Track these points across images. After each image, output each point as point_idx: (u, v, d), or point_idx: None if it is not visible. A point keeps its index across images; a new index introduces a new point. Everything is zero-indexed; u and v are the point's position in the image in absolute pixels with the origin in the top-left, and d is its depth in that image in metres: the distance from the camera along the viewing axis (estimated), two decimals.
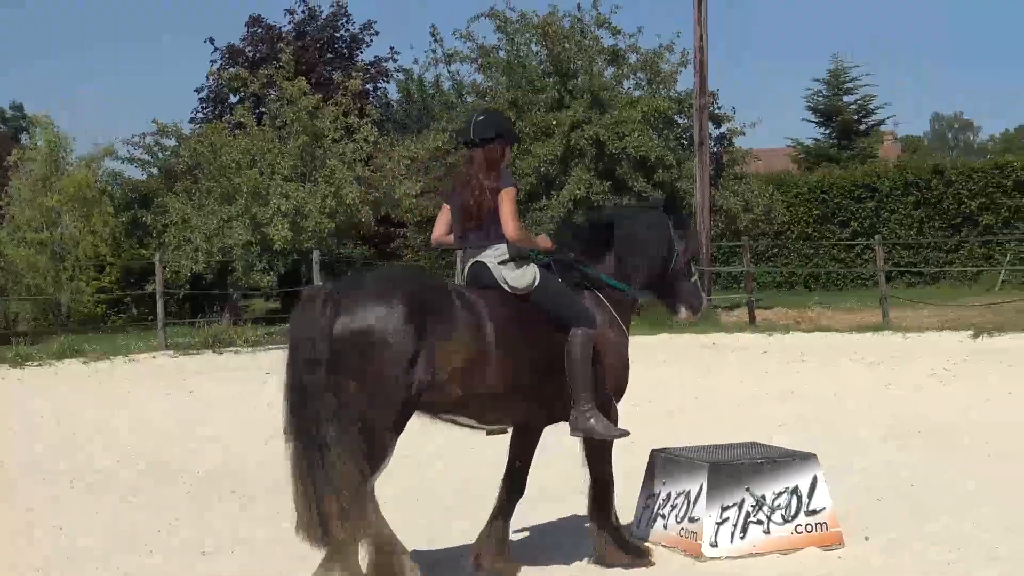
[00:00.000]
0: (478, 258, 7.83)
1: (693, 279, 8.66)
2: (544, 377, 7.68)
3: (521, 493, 8.22)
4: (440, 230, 8.18)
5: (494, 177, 7.80)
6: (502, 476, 8.25)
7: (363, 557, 7.26)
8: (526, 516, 9.78)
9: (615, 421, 7.98)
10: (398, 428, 7.18)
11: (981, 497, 10.17)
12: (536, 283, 7.72)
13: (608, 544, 8.13)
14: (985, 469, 11.43)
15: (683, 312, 8.64)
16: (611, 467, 8.24)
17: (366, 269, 7.42)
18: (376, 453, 7.07)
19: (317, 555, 8.41)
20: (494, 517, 8.12)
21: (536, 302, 7.70)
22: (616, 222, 8.40)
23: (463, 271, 8.03)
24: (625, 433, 7.86)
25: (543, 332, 7.67)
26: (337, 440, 6.91)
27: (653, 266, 8.39)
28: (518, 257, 7.76)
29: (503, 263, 7.72)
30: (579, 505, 10.01)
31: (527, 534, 9.20)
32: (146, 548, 9.04)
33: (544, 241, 8.16)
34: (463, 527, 9.03)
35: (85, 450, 14.02)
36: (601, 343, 7.86)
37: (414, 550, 7.90)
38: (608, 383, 7.98)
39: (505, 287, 7.67)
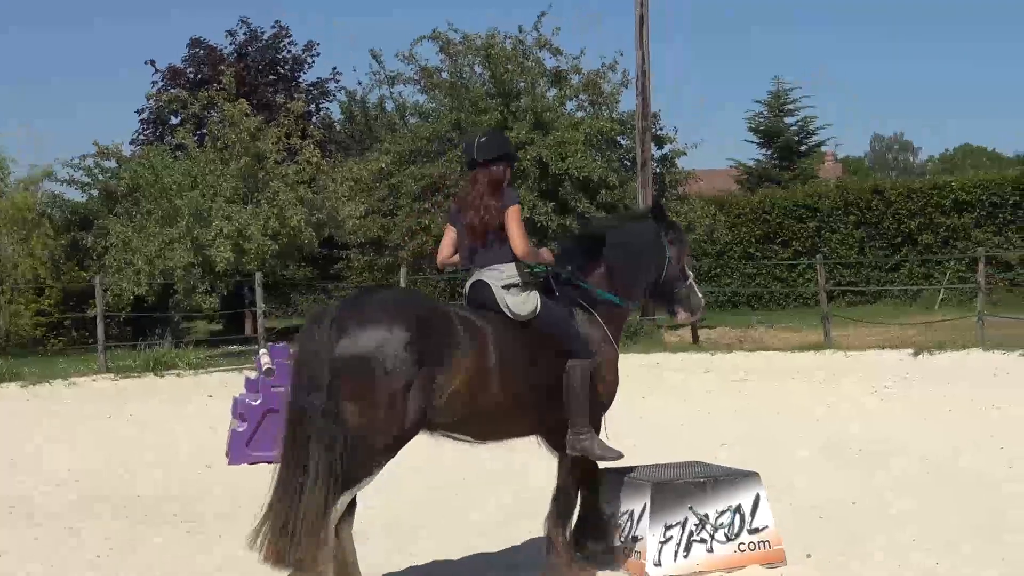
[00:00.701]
0: (482, 277, 7.89)
1: (688, 281, 8.75)
2: (541, 397, 7.80)
3: (572, 506, 8.33)
4: (446, 251, 8.28)
5: (498, 196, 7.87)
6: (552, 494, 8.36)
7: None
8: (499, 532, 9.79)
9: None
10: (392, 451, 7.23)
11: (921, 515, 10.26)
12: (537, 310, 7.81)
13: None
14: (924, 487, 11.53)
15: (681, 314, 8.78)
16: (582, 481, 8.36)
17: (371, 289, 7.45)
18: (362, 474, 7.13)
19: None
20: (550, 534, 8.23)
21: (536, 327, 7.80)
22: (607, 234, 8.49)
23: (467, 290, 8.07)
24: (620, 455, 7.99)
25: (542, 355, 7.76)
26: (318, 466, 6.97)
27: (646, 275, 8.53)
28: (522, 281, 7.83)
29: (507, 287, 7.79)
30: (516, 531, 10.04)
31: (502, 549, 9.19)
32: (91, 574, 8.92)
33: (549, 255, 8.26)
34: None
35: (23, 476, 13.83)
36: (596, 359, 7.99)
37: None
38: (600, 399, 8.13)
39: (507, 312, 7.74)
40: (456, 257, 8.21)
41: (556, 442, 8.08)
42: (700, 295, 8.87)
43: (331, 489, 7.01)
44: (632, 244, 8.49)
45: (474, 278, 7.97)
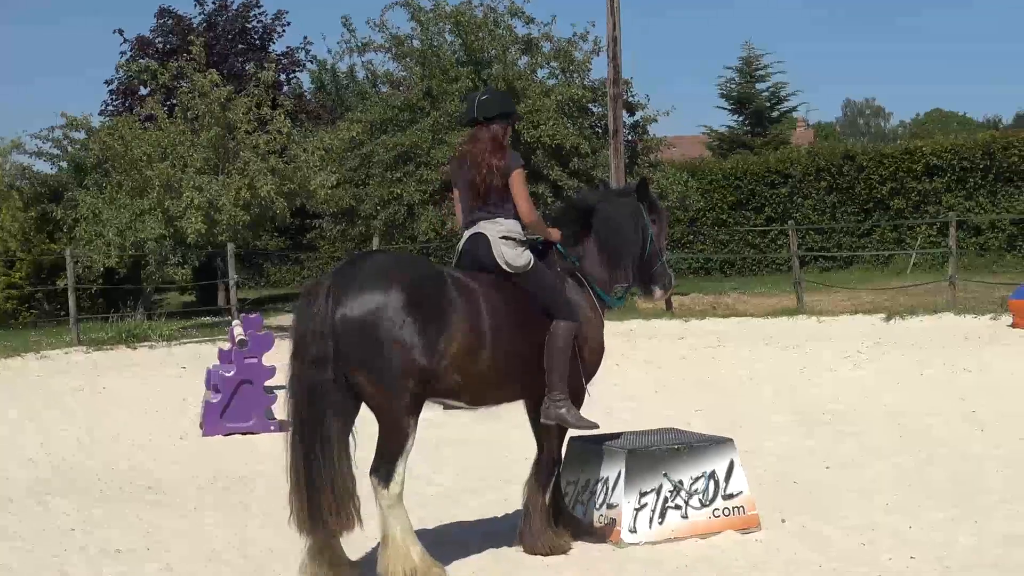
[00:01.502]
0: (480, 230, 7.94)
1: (663, 260, 8.84)
2: (533, 360, 7.84)
3: (552, 472, 8.36)
4: (460, 215, 8.29)
5: (500, 156, 7.93)
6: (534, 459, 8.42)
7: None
8: (448, 509, 9.81)
9: (580, 407, 8.16)
10: (413, 412, 7.31)
11: (894, 479, 10.34)
12: (531, 265, 7.90)
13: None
14: (897, 452, 11.60)
15: (657, 292, 8.87)
16: (561, 448, 8.45)
17: (362, 256, 7.48)
18: (397, 439, 7.23)
19: (225, 552, 8.40)
20: (528, 499, 8.30)
21: (526, 286, 7.86)
22: (596, 208, 8.54)
23: (463, 242, 8.10)
24: (595, 425, 8.05)
25: (532, 318, 7.82)
26: (337, 438, 7.11)
27: (632, 251, 8.56)
28: (519, 238, 7.91)
29: (504, 239, 7.86)
30: (501, 498, 10.07)
31: (450, 524, 9.20)
32: (61, 548, 8.89)
33: (557, 234, 8.31)
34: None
35: None
36: (583, 328, 8.08)
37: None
38: (586, 366, 8.20)
39: (501, 263, 7.81)
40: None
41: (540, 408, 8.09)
42: (671, 273, 8.96)
43: (372, 479, 7.23)
44: (620, 220, 8.54)
45: (472, 231, 8.02)
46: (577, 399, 8.13)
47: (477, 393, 7.75)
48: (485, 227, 7.94)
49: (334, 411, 7.12)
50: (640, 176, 8.93)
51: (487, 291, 7.65)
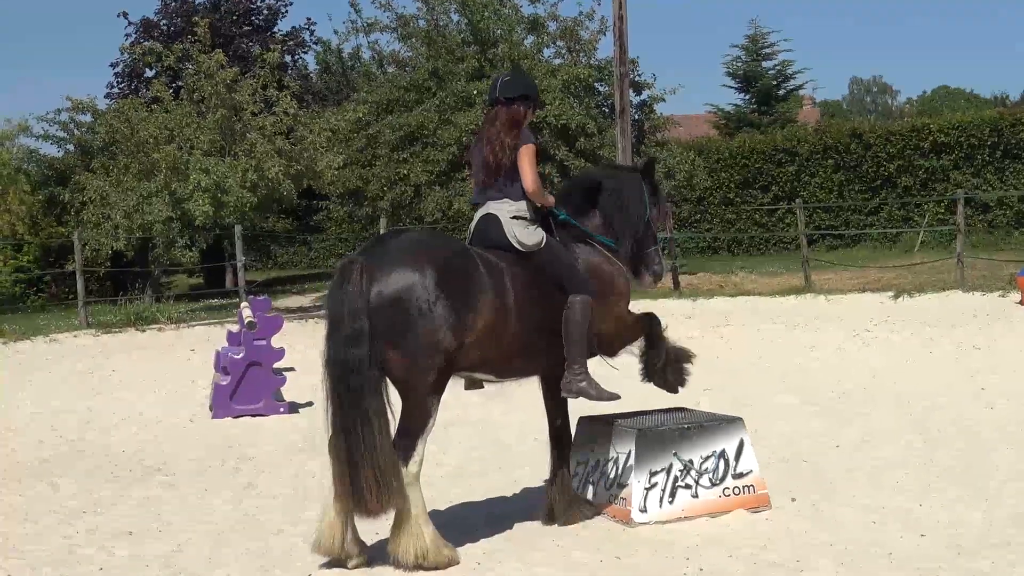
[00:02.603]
0: (490, 210, 8.02)
1: (656, 247, 8.87)
2: (556, 334, 7.92)
3: (571, 443, 8.57)
4: (474, 196, 8.37)
5: (515, 135, 8.01)
6: (548, 436, 8.57)
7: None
8: (455, 489, 9.82)
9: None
10: (438, 390, 7.39)
11: (903, 458, 10.33)
12: (543, 243, 7.97)
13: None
14: (906, 431, 11.59)
15: (646, 279, 8.90)
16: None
17: (392, 234, 7.50)
18: (421, 417, 7.31)
19: (234, 533, 8.43)
20: (554, 472, 8.46)
21: (541, 263, 7.94)
22: (602, 182, 8.64)
23: (474, 222, 8.18)
24: (616, 396, 8.15)
25: (552, 292, 7.92)
26: (377, 414, 7.12)
27: (633, 226, 8.62)
28: (530, 217, 8.00)
29: (515, 219, 7.94)
30: (509, 480, 10.09)
31: (459, 504, 9.21)
32: (72, 529, 8.92)
33: (551, 200, 8.35)
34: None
35: (5, 433, 13.80)
36: (612, 290, 8.33)
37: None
38: (625, 331, 8.57)
39: (514, 242, 7.89)
40: None
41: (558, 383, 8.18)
42: (663, 261, 9.03)
43: (390, 431, 7.22)
44: (625, 194, 8.61)
45: (482, 212, 8.10)
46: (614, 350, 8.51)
47: (502, 366, 7.86)
48: (495, 207, 8.00)
49: (371, 388, 7.13)
50: (647, 156, 8.89)
51: (510, 267, 7.75)
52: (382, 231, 27.28)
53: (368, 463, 7.08)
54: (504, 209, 7.96)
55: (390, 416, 7.25)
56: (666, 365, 8.78)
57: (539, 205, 8.14)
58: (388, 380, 7.30)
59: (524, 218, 7.97)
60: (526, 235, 7.92)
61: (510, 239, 7.90)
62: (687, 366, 8.91)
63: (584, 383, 7.94)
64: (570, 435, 8.59)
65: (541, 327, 7.84)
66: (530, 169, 7.96)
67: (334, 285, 7.36)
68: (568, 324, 7.88)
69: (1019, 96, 77.57)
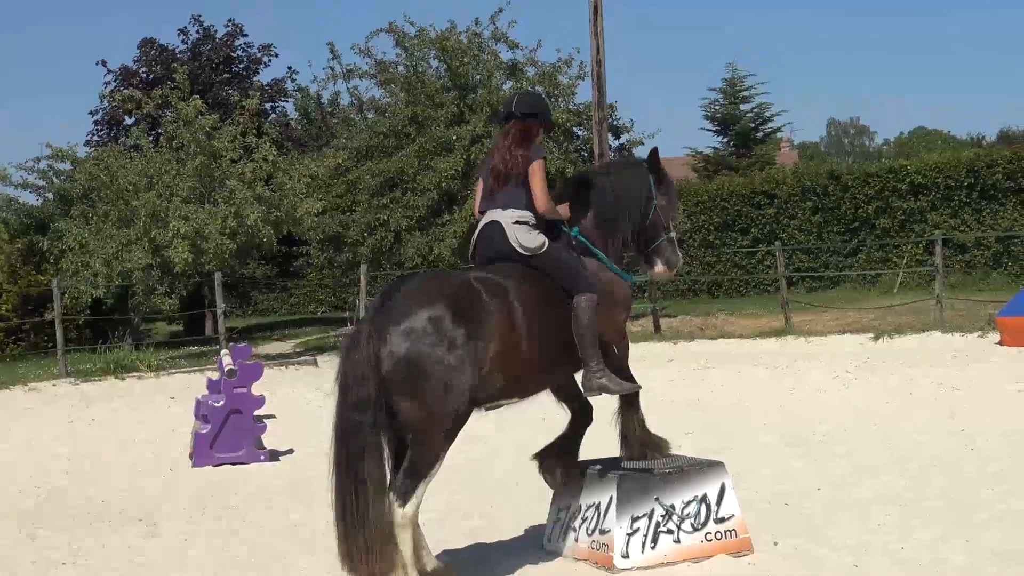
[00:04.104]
0: (494, 217, 8.15)
1: (671, 235, 8.86)
2: (566, 340, 8.00)
3: (590, 422, 8.78)
4: (478, 204, 8.51)
5: (526, 146, 8.21)
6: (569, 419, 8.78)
7: None
8: (431, 535, 9.78)
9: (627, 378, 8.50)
10: (452, 436, 7.45)
11: (885, 499, 10.32)
12: (544, 247, 8.08)
13: (637, 439, 8.71)
14: (888, 471, 11.60)
15: (659, 266, 8.88)
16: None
17: (391, 288, 7.50)
18: (429, 461, 7.35)
19: None
20: (564, 434, 8.74)
21: (543, 266, 8.03)
22: (595, 183, 8.72)
23: (477, 230, 8.30)
24: (637, 387, 8.45)
25: (560, 298, 8.01)
26: (373, 480, 7.20)
27: (629, 219, 8.69)
28: (532, 223, 8.12)
29: (517, 223, 8.06)
30: (479, 525, 10.05)
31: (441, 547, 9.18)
32: None
33: (565, 210, 8.50)
34: None
35: None
36: (609, 299, 8.32)
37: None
38: (621, 340, 8.62)
39: (516, 246, 7.99)
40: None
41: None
42: (679, 252, 8.98)
43: (389, 497, 7.26)
44: (618, 187, 8.71)
45: (485, 220, 8.24)
46: (622, 373, 8.46)
47: (523, 386, 7.98)
48: (499, 214, 8.14)
49: (372, 453, 7.21)
50: (652, 147, 8.96)
51: (515, 284, 7.81)
52: (362, 277, 27.35)
53: (361, 529, 7.14)
54: (507, 215, 8.10)
55: (387, 482, 7.30)
56: (644, 447, 8.77)
57: (551, 219, 8.27)
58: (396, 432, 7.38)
59: (526, 223, 8.10)
60: (528, 239, 8.04)
61: (512, 243, 8.01)
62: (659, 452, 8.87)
63: (604, 379, 8.05)
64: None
65: (553, 336, 7.92)
66: (541, 187, 8.12)
67: (343, 352, 7.45)
68: (577, 324, 7.97)
69: (995, 137, 78.11)
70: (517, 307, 7.69)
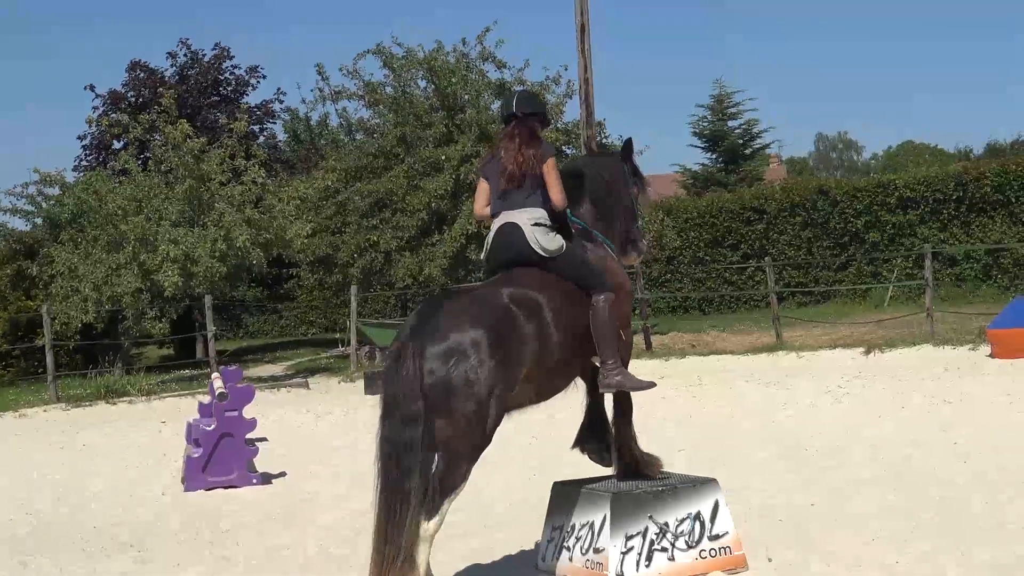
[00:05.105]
0: (510, 219, 8.19)
1: (638, 224, 9.10)
2: (586, 338, 8.09)
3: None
4: (480, 203, 8.55)
5: (535, 146, 8.26)
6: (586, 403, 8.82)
7: None
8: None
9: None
10: (481, 449, 7.51)
11: (879, 513, 10.31)
12: (564, 248, 8.16)
13: (630, 456, 8.72)
14: (881, 485, 11.59)
15: (633, 255, 9.08)
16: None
17: (429, 306, 7.50)
18: (456, 478, 7.40)
19: None
20: (588, 409, 8.80)
21: (562, 268, 8.10)
22: (586, 169, 8.89)
23: (493, 232, 8.32)
24: (651, 384, 8.60)
25: (580, 298, 8.09)
26: (419, 492, 7.25)
27: (623, 204, 8.89)
28: (549, 224, 8.20)
29: (536, 225, 8.12)
30: (477, 546, 10.02)
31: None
32: None
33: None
34: None
35: None
36: (621, 291, 8.44)
37: None
38: (627, 329, 8.60)
39: (537, 248, 8.06)
40: (489, 210, 8.45)
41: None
42: (645, 237, 9.25)
43: (423, 513, 7.31)
44: (608, 178, 8.87)
45: (501, 221, 8.26)
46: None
47: (545, 392, 8.08)
48: (514, 216, 8.18)
49: (422, 470, 7.26)
50: (627, 137, 9.10)
51: (545, 296, 7.86)
52: (352, 299, 27.34)
53: (395, 541, 7.16)
54: (524, 217, 8.14)
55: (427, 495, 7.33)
56: (637, 463, 8.81)
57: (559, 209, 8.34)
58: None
59: (545, 224, 8.16)
60: (547, 240, 8.10)
61: (532, 246, 8.07)
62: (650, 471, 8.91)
63: (620, 376, 8.16)
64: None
65: (576, 338, 8.01)
66: (557, 183, 8.20)
67: (388, 368, 7.46)
68: (596, 323, 8.04)
69: (983, 150, 78.31)
70: (550, 323, 7.79)
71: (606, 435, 8.80)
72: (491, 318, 7.50)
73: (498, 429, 7.57)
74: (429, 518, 7.31)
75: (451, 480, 7.37)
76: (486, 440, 7.47)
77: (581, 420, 8.86)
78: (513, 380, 7.49)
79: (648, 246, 9.16)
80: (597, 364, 8.27)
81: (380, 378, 7.69)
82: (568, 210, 8.46)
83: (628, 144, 9.17)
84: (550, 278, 8.04)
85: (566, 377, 8.24)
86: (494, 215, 8.37)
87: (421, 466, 7.25)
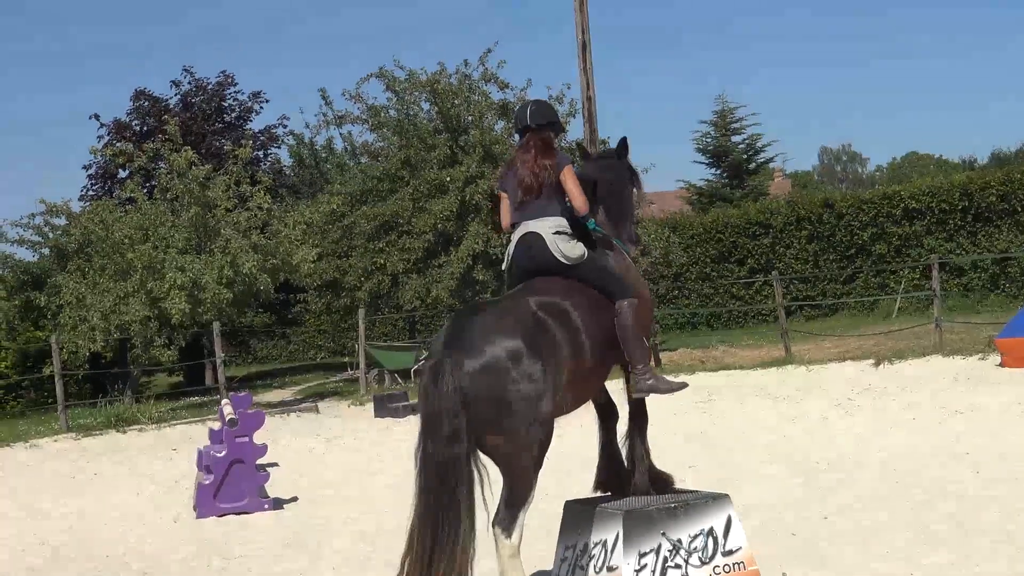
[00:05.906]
0: (531, 228, 8.23)
1: (634, 221, 9.23)
2: (612, 344, 8.13)
3: (617, 417, 8.89)
4: (505, 218, 8.58)
5: (551, 156, 8.32)
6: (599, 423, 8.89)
7: None
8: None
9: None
10: (541, 459, 7.53)
11: (892, 526, 10.29)
12: (585, 255, 8.21)
13: (643, 472, 8.74)
14: (894, 498, 11.56)
15: (632, 250, 9.12)
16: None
17: (460, 320, 7.52)
18: (523, 489, 7.46)
19: None
20: (603, 446, 8.90)
21: (584, 275, 8.16)
22: (596, 175, 8.88)
23: (514, 242, 8.36)
24: (683, 385, 8.77)
25: (605, 304, 8.13)
26: (469, 512, 7.27)
27: (632, 209, 9.06)
28: (571, 232, 8.26)
29: (557, 233, 8.17)
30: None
31: None
32: None
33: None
34: None
35: None
36: (643, 294, 8.57)
37: None
38: (648, 335, 8.64)
39: (559, 256, 8.11)
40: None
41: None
42: (639, 235, 9.44)
43: (493, 530, 7.41)
44: (615, 180, 8.95)
45: (521, 231, 8.29)
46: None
47: (583, 397, 8.17)
48: (535, 225, 8.22)
49: (469, 486, 7.28)
50: (622, 136, 9.14)
51: (571, 304, 7.90)
52: (360, 322, 27.37)
53: (447, 558, 7.18)
54: (545, 225, 8.18)
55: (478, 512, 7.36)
56: (651, 480, 8.84)
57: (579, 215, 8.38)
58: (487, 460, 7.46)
59: (566, 233, 8.20)
60: (569, 248, 8.14)
61: (554, 254, 8.11)
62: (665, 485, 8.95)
63: (652, 380, 8.22)
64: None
65: (604, 344, 8.04)
66: (577, 189, 8.27)
67: (427, 384, 7.39)
68: (622, 328, 8.07)
69: (987, 159, 78.35)
70: (580, 330, 7.82)
71: (623, 472, 8.83)
72: (524, 328, 7.51)
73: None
74: (509, 534, 7.39)
75: (521, 493, 7.43)
76: (543, 448, 7.49)
77: (597, 461, 8.88)
78: (558, 385, 7.52)
79: (640, 242, 9.28)
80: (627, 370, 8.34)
81: (419, 395, 7.62)
82: (591, 219, 8.51)
83: (623, 143, 9.19)
84: (574, 285, 8.08)
85: (599, 379, 8.29)
86: (513, 225, 8.41)
87: (470, 480, 7.28)
